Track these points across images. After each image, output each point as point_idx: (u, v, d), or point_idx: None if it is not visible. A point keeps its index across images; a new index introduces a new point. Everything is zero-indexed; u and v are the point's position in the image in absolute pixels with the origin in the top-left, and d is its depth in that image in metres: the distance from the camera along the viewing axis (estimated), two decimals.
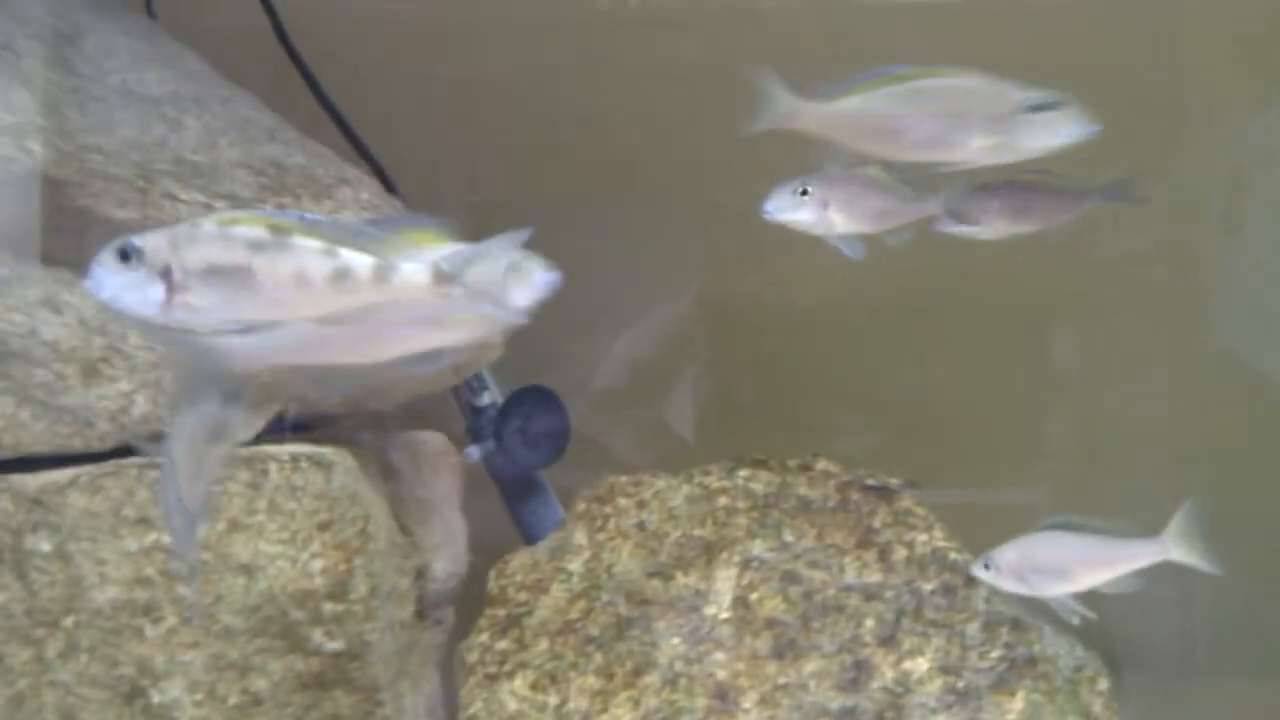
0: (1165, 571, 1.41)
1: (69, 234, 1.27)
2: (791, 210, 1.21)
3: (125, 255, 0.88)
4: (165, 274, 0.87)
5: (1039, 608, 1.47)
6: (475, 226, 1.02)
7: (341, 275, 0.87)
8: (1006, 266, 1.90)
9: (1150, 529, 1.30)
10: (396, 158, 1.70)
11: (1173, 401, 1.95)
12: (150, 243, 0.87)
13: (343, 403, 1.42)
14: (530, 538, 1.67)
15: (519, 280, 1.00)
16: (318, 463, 1.33)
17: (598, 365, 1.89)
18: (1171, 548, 1.26)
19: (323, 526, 1.32)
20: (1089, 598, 1.34)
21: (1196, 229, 1.97)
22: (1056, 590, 1.28)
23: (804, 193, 1.20)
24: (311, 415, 1.43)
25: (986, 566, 1.28)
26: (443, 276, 0.89)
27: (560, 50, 1.91)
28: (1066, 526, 1.29)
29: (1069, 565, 1.27)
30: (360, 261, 0.88)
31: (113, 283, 0.87)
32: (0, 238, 1.24)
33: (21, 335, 1.24)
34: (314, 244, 0.87)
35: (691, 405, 1.94)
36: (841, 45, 1.80)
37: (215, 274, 0.86)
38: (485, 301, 0.93)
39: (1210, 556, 1.25)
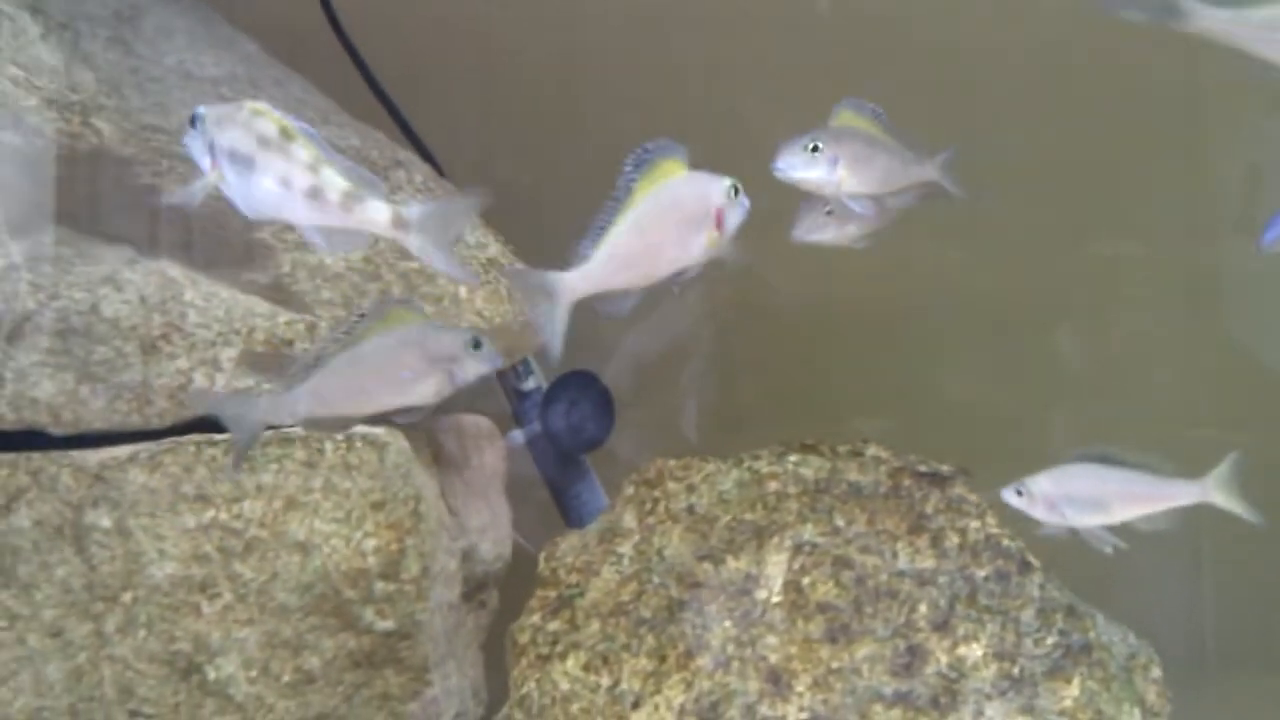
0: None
1: (133, 209, 1.28)
2: (803, 167, 1.19)
3: (192, 121, 1.01)
4: (210, 146, 1.00)
5: (1091, 595, 1.47)
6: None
7: (316, 192, 0.98)
8: (1013, 265, 1.91)
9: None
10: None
11: (1187, 397, 1.95)
12: (209, 114, 1.01)
13: None
14: (573, 522, 1.67)
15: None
16: (372, 442, 1.34)
17: (608, 360, 1.90)
18: (1212, 491, 1.23)
19: (376, 506, 1.33)
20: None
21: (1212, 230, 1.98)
22: (1089, 521, 1.25)
23: (815, 149, 1.19)
24: None
25: (1019, 493, 1.25)
26: (401, 221, 1.00)
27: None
28: (1103, 459, 1.26)
29: (1106, 497, 1.25)
30: (334, 184, 0.98)
31: (189, 144, 1.01)
32: (64, 215, 1.25)
33: (83, 312, 1.25)
34: (304, 156, 0.98)
35: (696, 403, 1.95)
36: None
37: (234, 157, 0.99)
38: (433, 255, 1.01)
39: (1250, 507, 1.22)
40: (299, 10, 1.73)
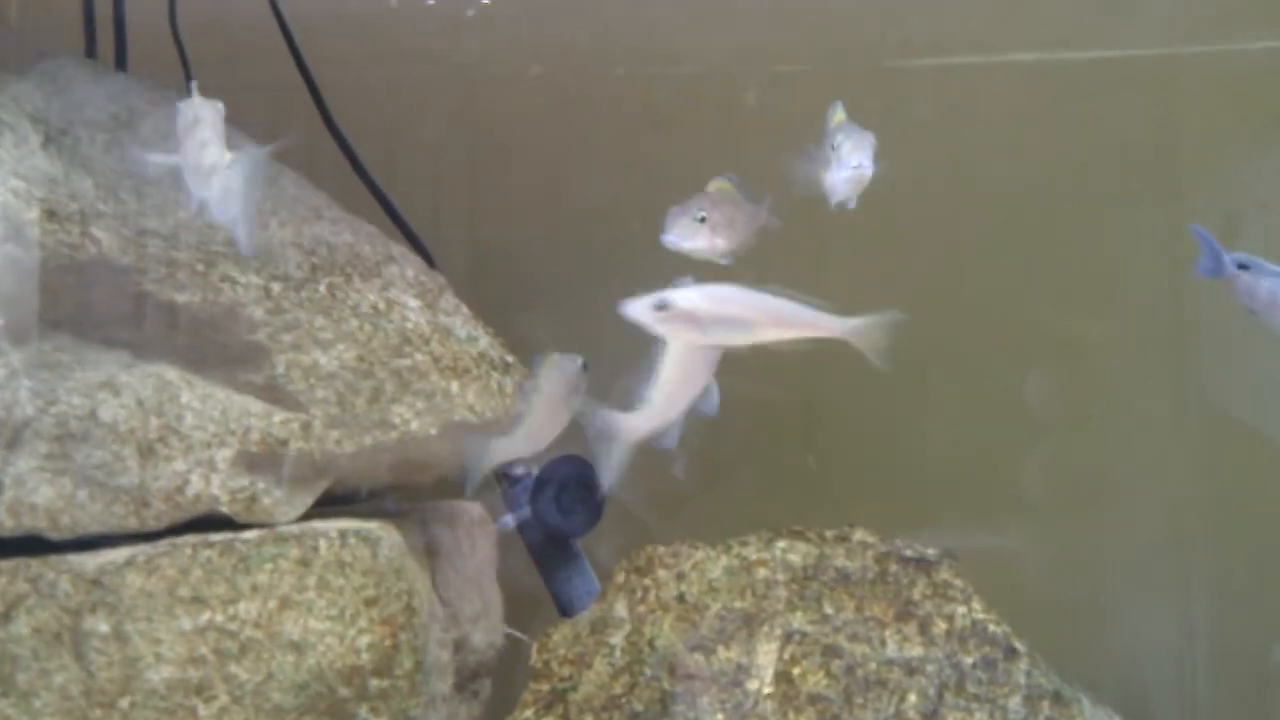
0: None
1: (130, 316, 1.30)
2: (693, 237, 1.28)
3: None
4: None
5: (1076, 677, 1.48)
6: None
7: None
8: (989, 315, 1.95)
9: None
10: None
11: (1165, 449, 1.99)
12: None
13: (389, 476, 1.45)
14: (564, 606, 1.68)
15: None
16: (365, 538, 1.35)
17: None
18: (857, 331, 1.20)
19: (370, 602, 1.34)
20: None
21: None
22: (732, 341, 1.22)
23: (703, 219, 1.28)
24: (357, 489, 1.46)
25: (661, 307, 1.18)
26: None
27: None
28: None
29: (751, 319, 1.21)
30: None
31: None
32: (64, 322, 1.28)
33: (81, 417, 1.27)
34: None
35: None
36: None
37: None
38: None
39: (888, 358, 1.20)
40: (292, 106, 1.79)
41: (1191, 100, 1.95)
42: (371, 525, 1.37)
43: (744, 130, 1.95)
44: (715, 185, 1.32)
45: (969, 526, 2.00)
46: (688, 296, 1.18)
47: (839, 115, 1.32)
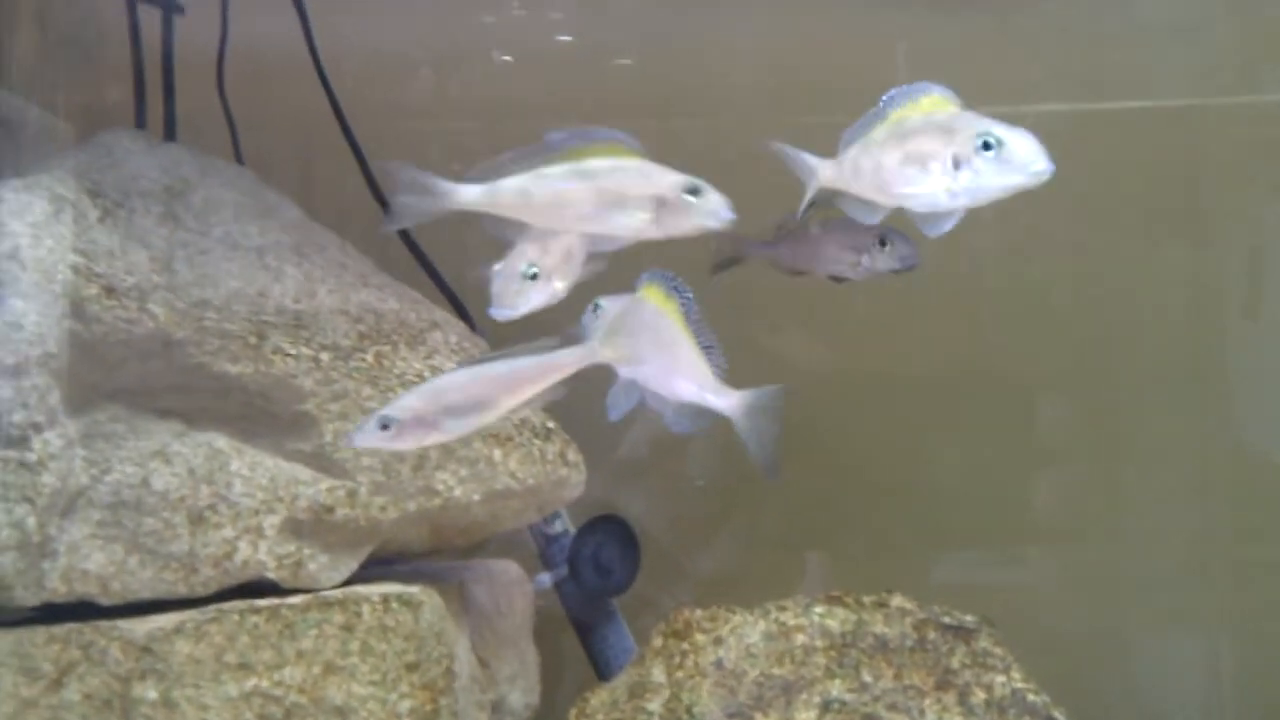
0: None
1: (184, 387, 1.34)
2: (525, 300, 1.16)
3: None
4: None
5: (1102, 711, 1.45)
6: None
7: None
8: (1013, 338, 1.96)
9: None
10: None
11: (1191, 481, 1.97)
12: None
13: (431, 540, 1.47)
14: (600, 665, 1.69)
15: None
16: (407, 603, 1.37)
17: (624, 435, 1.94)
18: (600, 350, 1.13)
19: (411, 667, 1.35)
20: None
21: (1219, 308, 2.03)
22: (470, 427, 1.14)
23: (534, 275, 1.16)
24: (400, 552, 1.48)
25: (385, 426, 1.12)
26: None
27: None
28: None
29: (485, 396, 1.14)
30: None
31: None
32: (120, 393, 1.31)
33: (134, 485, 1.30)
34: None
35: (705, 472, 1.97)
36: None
37: None
38: None
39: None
40: (338, 171, 1.83)
41: (1218, 146, 1.97)
42: (413, 589, 1.39)
43: None
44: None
45: (993, 557, 2.01)
46: (405, 406, 1.12)
47: (944, 102, 1.10)
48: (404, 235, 1.76)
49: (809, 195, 1.13)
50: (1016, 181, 1.06)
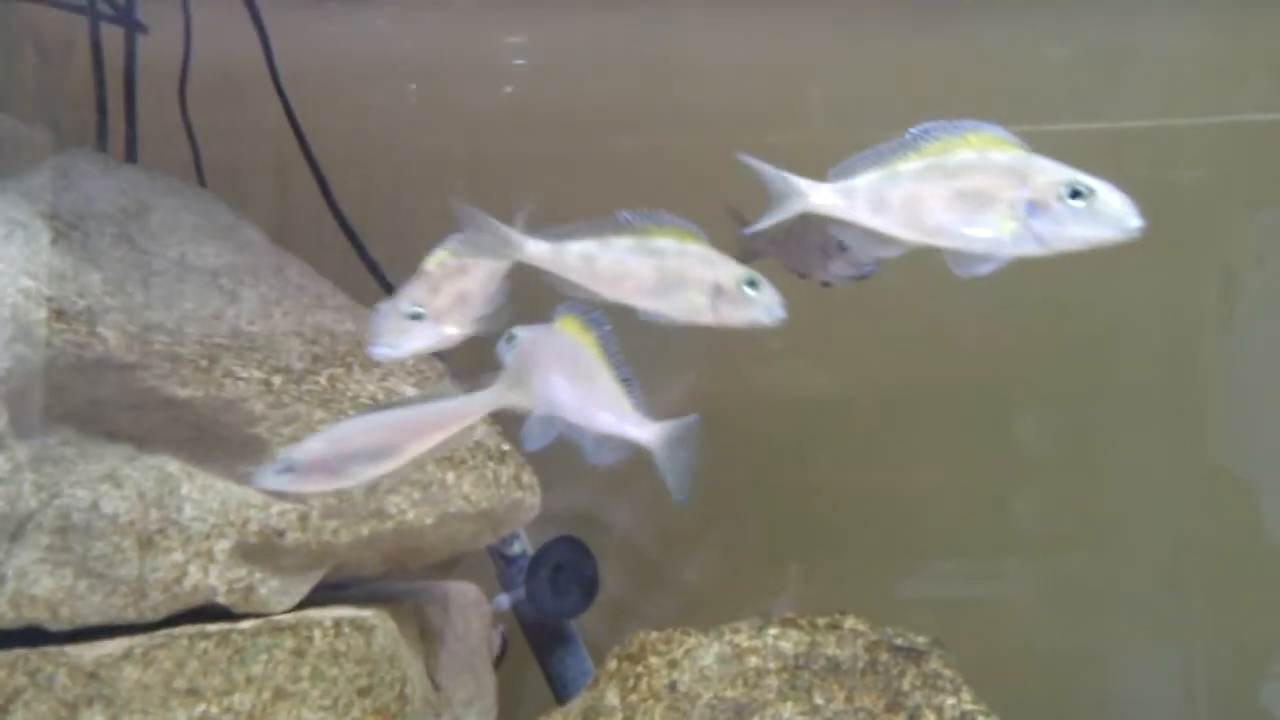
0: None
1: (134, 410, 1.33)
2: (407, 340, 1.13)
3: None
4: None
5: None
6: None
7: None
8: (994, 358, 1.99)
9: None
10: None
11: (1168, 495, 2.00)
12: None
13: (384, 563, 1.47)
14: (557, 688, 1.69)
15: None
16: (359, 626, 1.37)
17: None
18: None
19: (363, 691, 1.35)
20: None
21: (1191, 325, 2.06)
22: (371, 475, 1.14)
23: (417, 316, 1.14)
24: (352, 576, 1.48)
25: (288, 469, 1.11)
26: None
27: None
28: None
29: (390, 441, 1.13)
30: None
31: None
32: (69, 416, 1.31)
33: (83, 509, 1.30)
34: None
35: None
36: None
37: None
38: None
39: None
40: (298, 193, 1.84)
41: (1191, 165, 2.01)
42: (366, 613, 1.39)
43: None
44: (436, 259, 1.16)
45: (968, 570, 2.03)
46: (308, 449, 1.12)
47: (1001, 141, 1.05)
48: (363, 255, 1.77)
49: (780, 216, 1.10)
50: (1104, 235, 1.02)
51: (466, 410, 1.13)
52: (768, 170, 1.12)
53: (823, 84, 1.99)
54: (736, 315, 1.12)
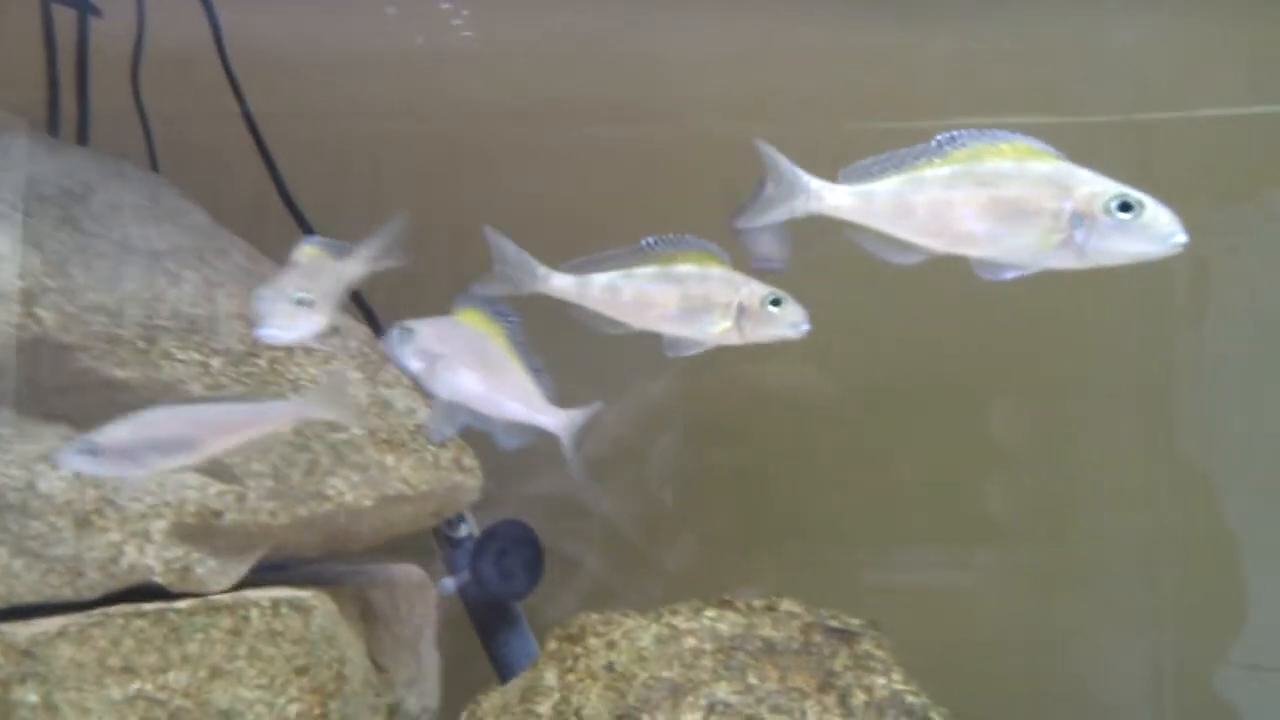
0: None
1: (71, 391, 1.34)
2: (294, 325, 1.12)
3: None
4: None
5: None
6: None
7: None
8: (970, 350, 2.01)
9: None
10: None
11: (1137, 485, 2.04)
12: None
13: (324, 545, 1.48)
14: (502, 669, 1.71)
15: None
16: (297, 607, 1.39)
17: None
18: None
19: (300, 671, 1.37)
20: None
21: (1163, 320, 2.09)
22: (170, 464, 1.16)
23: (302, 300, 1.13)
24: (294, 556, 1.49)
25: (89, 451, 1.13)
26: None
27: None
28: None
29: (192, 435, 1.16)
30: None
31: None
32: (5, 396, 1.31)
33: (19, 489, 1.30)
34: None
35: (669, 472, 2.01)
36: None
37: None
38: None
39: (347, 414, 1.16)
40: (247, 176, 1.84)
41: (1163, 160, 2.03)
42: (305, 594, 1.40)
43: None
44: (308, 251, 1.18)
45: (940, 555, 2.06)
46: (110, 434, 1.14)
47: (1037, 151, 1.02)
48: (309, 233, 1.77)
49: (784, 215, 1.08)
50: (1149, 250, 1.00)
51: (271, 416, 1.18)
52: (783, 163, 1.08)
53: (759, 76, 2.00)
54: (763, 333, 1.16)
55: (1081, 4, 1.99)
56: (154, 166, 1.85)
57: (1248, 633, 1.95)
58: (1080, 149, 2.01)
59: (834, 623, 1.50)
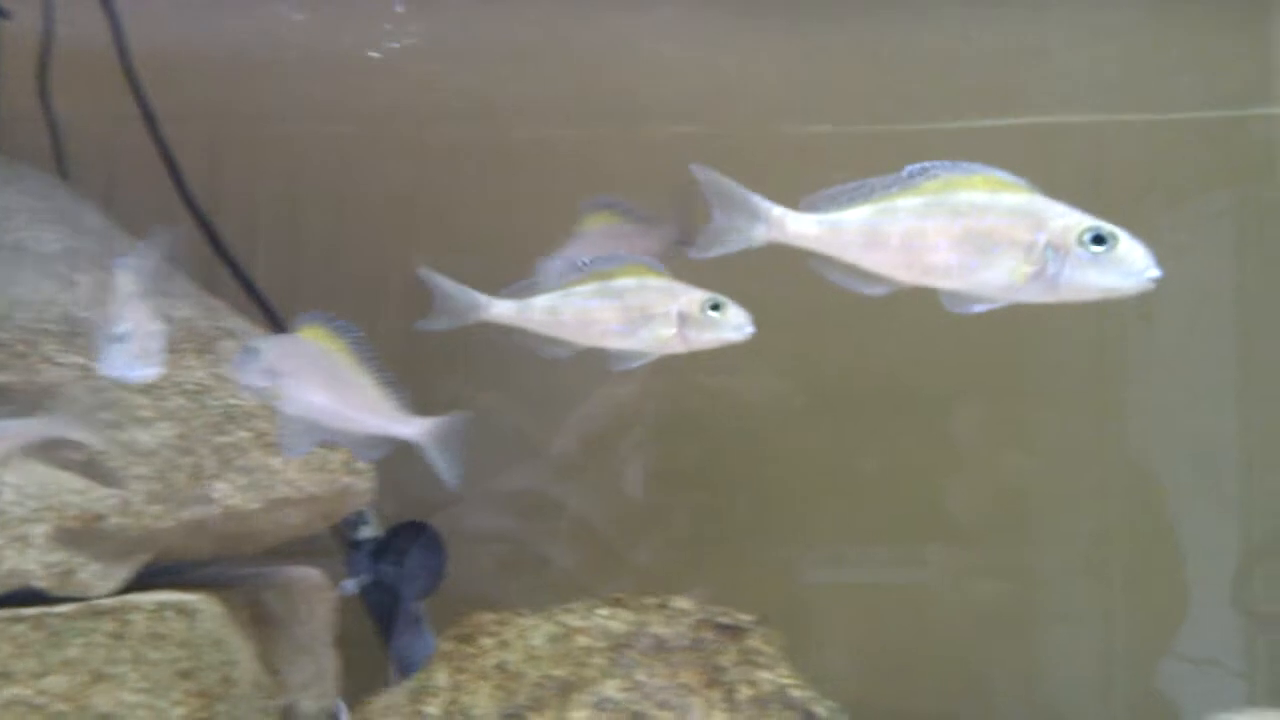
0: None
1: None
2: (132, 366, 1.16)
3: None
4: None
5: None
6: None
7: None
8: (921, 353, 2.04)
9: None
10: None
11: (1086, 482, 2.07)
12: None
13: (213, 548, 1.48)
14: (404, 670, 1.72)
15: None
16: (182, 610, 1.39)
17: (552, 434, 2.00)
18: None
19: (184, 674, 1.37)
20: None
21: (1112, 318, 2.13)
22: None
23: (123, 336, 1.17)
24: (184, 560, 1.49)
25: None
26: None
27: None
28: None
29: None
30: None
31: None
32: None
33: None
34: None
35: (640, 470, 2.03)
36: None
37: None
38: None
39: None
40: (148, 176, 1.83)
41: (1116, 161, 2.07)
42: (191, 597, 1.40)
43: None
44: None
45: (894, 552, 2.09)
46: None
47: (1010, 184, 1.01)
48: (215, 242, 1.77)
49: (741, 245, 1.06)
50: (1121, 285, 0.99)
51: (22, 432, 1.21)
52: (734, 190, 1.06)
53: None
54: (706, 338, 1.17)
55: (1032, 5, 2.02)
56: (61, 169, 1.84)
57: (1189, 626, 1.99)
58: (1031, 150, 2.05)
59: (725, 619, 1.52)
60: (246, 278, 1.78)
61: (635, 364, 1.20)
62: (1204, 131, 2.02)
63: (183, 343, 1.52)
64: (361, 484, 1.51)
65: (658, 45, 2.00)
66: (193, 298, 1.61)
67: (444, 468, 1.16)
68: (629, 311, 1.17)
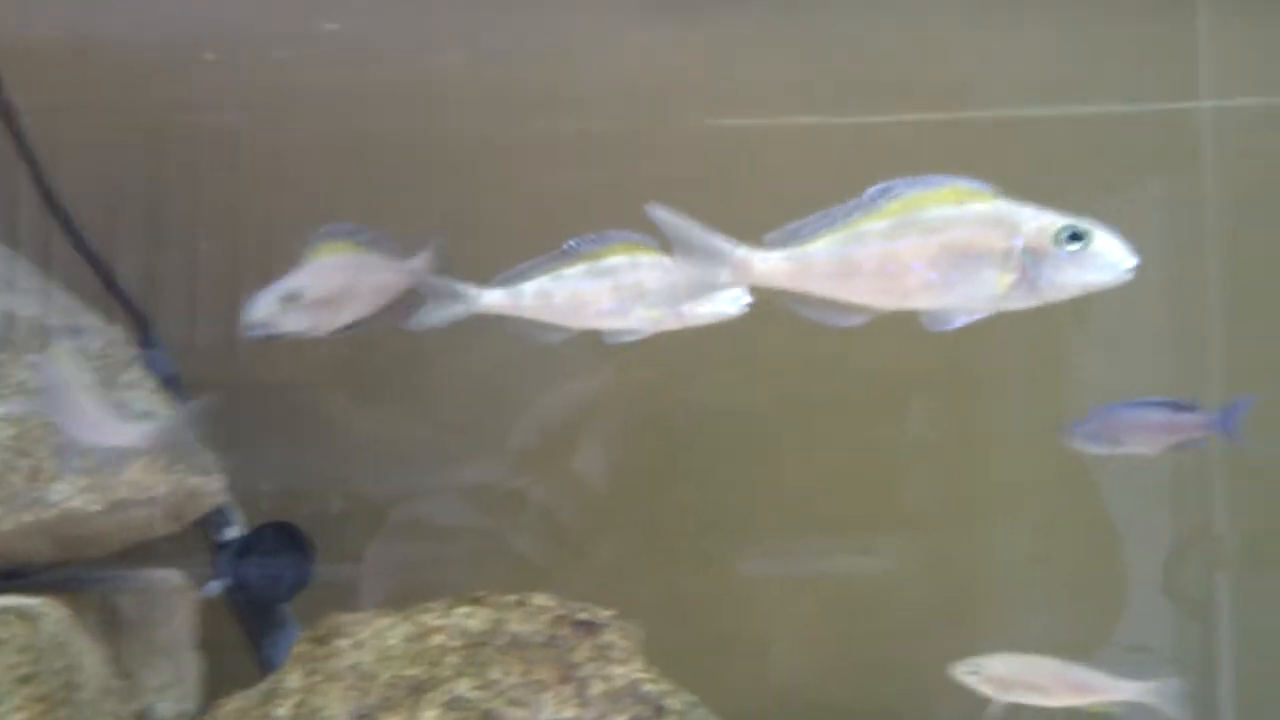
0: None
1: None
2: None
3: None
4: None
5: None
6: None
7: None
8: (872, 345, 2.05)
9: None
10: None
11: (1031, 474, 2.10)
12: None
13: (56, 551, 1.46)
14: (269, 672, 1.70)
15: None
16: (23, 615, 1.36)
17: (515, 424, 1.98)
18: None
19: (25, 680, 1.34)
20: None
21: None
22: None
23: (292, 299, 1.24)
24: (26, 564, 1.46)
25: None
26: None
27: None
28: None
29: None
30: None
31: None
32: None
33: None
34: None
35: (604, 462, 2.02)
36: None
37: None
38: None
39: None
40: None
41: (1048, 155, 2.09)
42: (33, 601, 1.38)
43: None
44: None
45: (843, 545, 2.11)
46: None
47: (976, 192, 0.98)
48: (74, 235, 1.73)
49: (705, 292, 1.03)
50: (1101, 279, 0.97)
51: None
52: (694, 233, 0.98)
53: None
54: (701, 313, 1.15)
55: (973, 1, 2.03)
56: None
57: (1128, 615, 2.05)
58: (965, 144, 2.05)
59: (583, 615, 1.53)
60: (109, 273, 1.74)
61: (629, 339, 1.18)
62: (1133, 124, 2.07)
63: (28, 341, 1.49)
64: (211, 485, 1.49)
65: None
66: (45, 294, 1.58)
67: (185, 458, 1.17)
68: (622, 290, 1.16)
